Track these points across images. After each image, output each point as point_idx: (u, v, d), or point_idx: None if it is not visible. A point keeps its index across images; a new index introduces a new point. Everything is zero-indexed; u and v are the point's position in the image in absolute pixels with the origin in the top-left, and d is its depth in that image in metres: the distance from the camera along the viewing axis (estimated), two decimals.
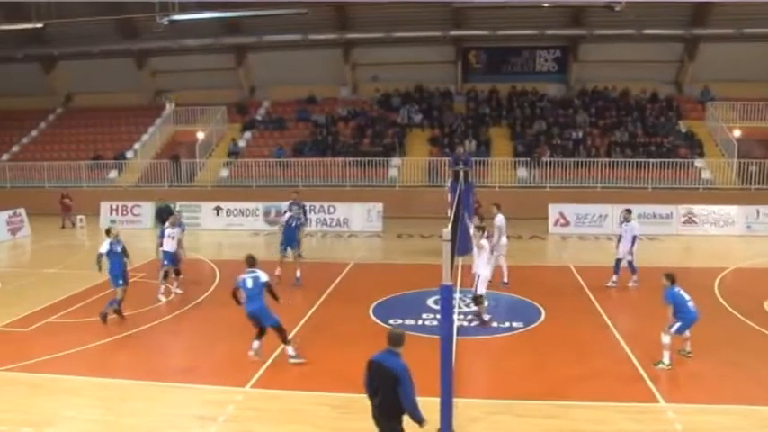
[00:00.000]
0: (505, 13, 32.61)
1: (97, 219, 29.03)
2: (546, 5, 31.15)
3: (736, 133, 31.20)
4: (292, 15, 29.59)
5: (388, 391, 7.19)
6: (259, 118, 36.34)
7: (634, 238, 17.74)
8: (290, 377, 11.41)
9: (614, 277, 17.83)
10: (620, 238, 18.11)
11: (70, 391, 10.90)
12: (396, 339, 7.32)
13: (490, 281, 15.18)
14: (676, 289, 12.00)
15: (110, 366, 11.93)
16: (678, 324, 11.81)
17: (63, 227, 29.03)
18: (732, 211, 26.72)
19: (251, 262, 12.19)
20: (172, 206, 25.16)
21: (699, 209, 26.72)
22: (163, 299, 16.39)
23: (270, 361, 11.99)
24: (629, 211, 18.36)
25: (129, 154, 34.49)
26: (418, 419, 7.24)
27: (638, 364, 11.87)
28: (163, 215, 23.48)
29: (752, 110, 32.52)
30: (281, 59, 36.05)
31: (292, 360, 11.92)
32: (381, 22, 33.60)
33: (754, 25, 31.61)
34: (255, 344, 12.02)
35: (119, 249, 14.60)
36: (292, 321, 14.27)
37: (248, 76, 38.18)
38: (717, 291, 17.37)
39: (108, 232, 14.86)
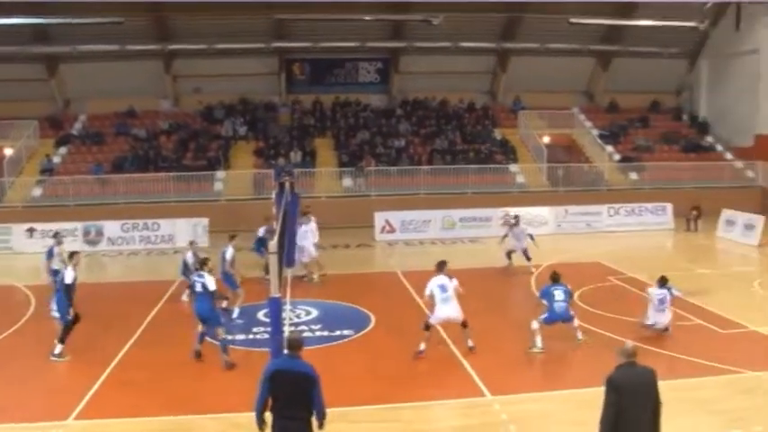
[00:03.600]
0: (328, 25, 33.02)
1: None
2: (367, 18, 31.93)
3: (545, 140, 33.56)
4: (108, 24, 28.36)
5: (300, 397, 7.23)
6: (75, 132, 34.34)
7: (529, 236, 21.12)
8: (117, 405, 10.87)
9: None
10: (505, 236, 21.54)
11: None
12: (297, 344, 7.43)
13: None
14: (552, 287, 13.49)
15: None
16: (545, 315, 13.34)
17: None
18: (544, 211, 28.57)
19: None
20: None
21: (515, 211, 28.23)
22: None
23: (94, 389, 11.37)
24: (516, 217, 21.88)
25: None
26: (324, 418, 7.36)
27: (465, 363, 12.42)
28: None
29: (557, 118, 35.13)
30: (98, 70, 34.19)
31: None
32: (203, 33, 32.91)
33: (556, 41, 34.39)
34: None
35: None
36: (117, 345, 13.70)
37: (62, 88, 35.97)
38: (533, 286, 18.49)
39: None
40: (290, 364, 7.31)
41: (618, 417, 6.75)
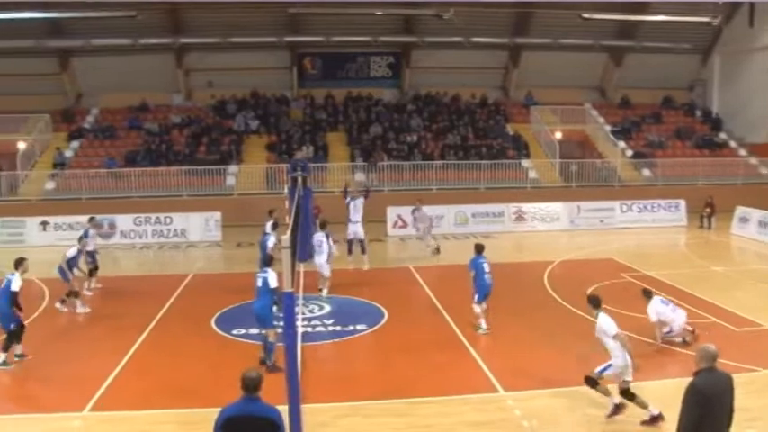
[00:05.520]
0: (340, 20, 33.03)
1: None
2: (379, 13, 31.89)
3: (558, 135, 33.43)
4: (121, 18, 28.41)
5: None
6: (87, 126, 34.50)
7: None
8: (131, 397, 10.93)
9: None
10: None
11: None
12: (255, 384, 6.19)
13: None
14: (481, 260, 13.95)
15: None
16: (476, 294, 13.83)
17: None
18: (557, 207, 28.52)
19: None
20: None
21: (527, 207, 28.29)
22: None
23: (109, 381, 11.45)
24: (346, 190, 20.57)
25: None
26: None
27: (478, 358, 12.40)
28: None
29: (569, 114, 35.02)
30: (110, 64, 34.32)
31: None
32: (215, 26, 32.94)
33: (569, 36, 34.23)
34: None
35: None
36: (132, 337, 13.77)
37: (74, 82, 36.09)
38: (546, 282, 18.47)
39: None
40: (248, 409, 6.13)
41: (699, 424, 6.37)
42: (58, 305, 16.32)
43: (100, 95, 35.66)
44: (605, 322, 9.99)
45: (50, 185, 30.08)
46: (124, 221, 26.63)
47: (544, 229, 27.76)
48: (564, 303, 16.10)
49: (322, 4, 31.20)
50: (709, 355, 6.61)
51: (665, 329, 13.16)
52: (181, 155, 31.60)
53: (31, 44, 32.12)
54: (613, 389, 9.94)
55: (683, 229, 28.20)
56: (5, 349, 12.39)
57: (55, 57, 34.52)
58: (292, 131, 33.47)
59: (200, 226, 27.01)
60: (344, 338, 13.97)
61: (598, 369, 10.00)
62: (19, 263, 13.09)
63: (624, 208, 28.96)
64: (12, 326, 12.47)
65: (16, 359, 12.58)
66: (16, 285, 12.52)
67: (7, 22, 27.53)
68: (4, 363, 12.32)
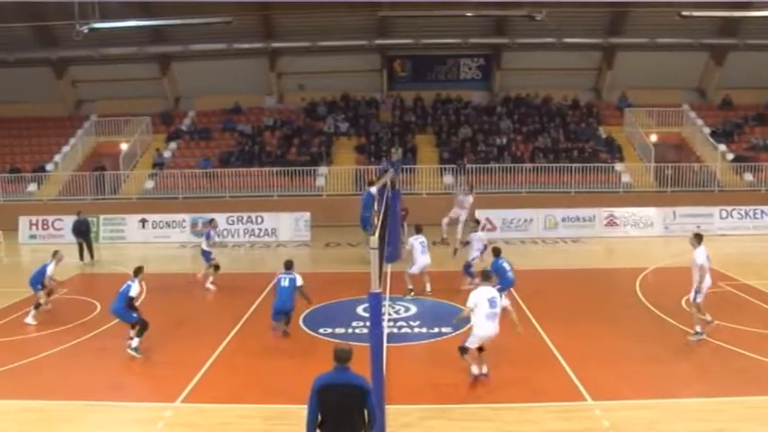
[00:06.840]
0: (430, 22, 32.98)
1: (16, 234, 28.01)
2: (469, 14, 31.68)
3: (653, 138, 32.36)
4: (217, 24, 29.33)
5: (353, 411, 6.84)
6: (184, 128, 35.77)
7: (485, 246, 18.08)
8: (220, 390, 11.28)
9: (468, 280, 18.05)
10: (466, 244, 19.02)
11: None
12: (346, 355, 6.96)
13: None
14: (500, 261, 15.05)
15: (30, 388, 11.43)
16: (498, 286, 13.90)
17: None
18: (650, 212, 27.69)
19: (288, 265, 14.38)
20: (90, 220, 25.00)
21: (620, 211, 27.57)
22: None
23: (200, 375, 11.82)
24: (477, 222, 20.01)
25: (50, 166, 33.37)
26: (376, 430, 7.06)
27: (565, 365, 12.16)
28: (81, 229, 23.46)
29: (666, 116, 33.86)
30: (207, 68, 35.58)
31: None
32: (307, 30, 33.58)
33: (666, 35, 33.02)
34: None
35: None
36: (221, 333, 14.16)
37: (173, 86, 37.53)
38: (638, 290, 17.95)
39: None
40: (340, 378, 6.89)
41: None
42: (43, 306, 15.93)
43: (196, 98, 37.00)
44: (473, 294, 11.60)
45: (149, 185, 31.33)
46: (217, 220, 27.35)
47: (637, 234, 27.00)
48: (657, 312, 15.62)
49: (413, 7, 31.22)
50: None
51: (703, 283, 13.67)
52: (272, 156, 32.32)
53: (134, 50, 33.64)
54: None
55: None
56: (140, 334, 13.01)
57: (156, 62, 36.03)
58: (381, 133, 33.70)
59: (289, 226, 27.53)
60: (430, 341, 13.95)
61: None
62: (138, 271, 13.66)
63: (724, 214, 27.79)
64: (134, 318, 13.20)
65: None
66: (134, 292, 13.21)
67: (112, 30, 28.76)
68: (137, 349, 12.89)
